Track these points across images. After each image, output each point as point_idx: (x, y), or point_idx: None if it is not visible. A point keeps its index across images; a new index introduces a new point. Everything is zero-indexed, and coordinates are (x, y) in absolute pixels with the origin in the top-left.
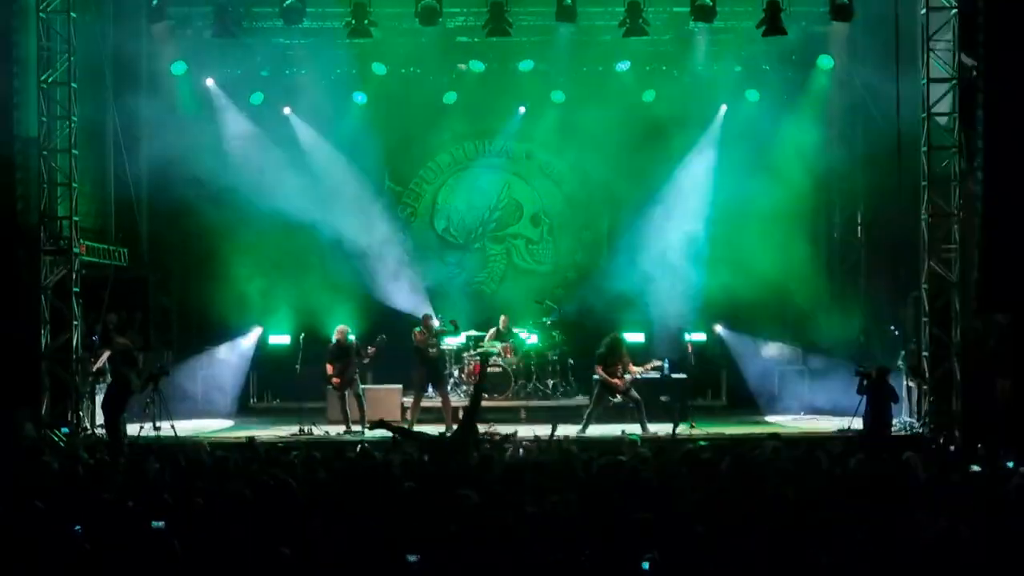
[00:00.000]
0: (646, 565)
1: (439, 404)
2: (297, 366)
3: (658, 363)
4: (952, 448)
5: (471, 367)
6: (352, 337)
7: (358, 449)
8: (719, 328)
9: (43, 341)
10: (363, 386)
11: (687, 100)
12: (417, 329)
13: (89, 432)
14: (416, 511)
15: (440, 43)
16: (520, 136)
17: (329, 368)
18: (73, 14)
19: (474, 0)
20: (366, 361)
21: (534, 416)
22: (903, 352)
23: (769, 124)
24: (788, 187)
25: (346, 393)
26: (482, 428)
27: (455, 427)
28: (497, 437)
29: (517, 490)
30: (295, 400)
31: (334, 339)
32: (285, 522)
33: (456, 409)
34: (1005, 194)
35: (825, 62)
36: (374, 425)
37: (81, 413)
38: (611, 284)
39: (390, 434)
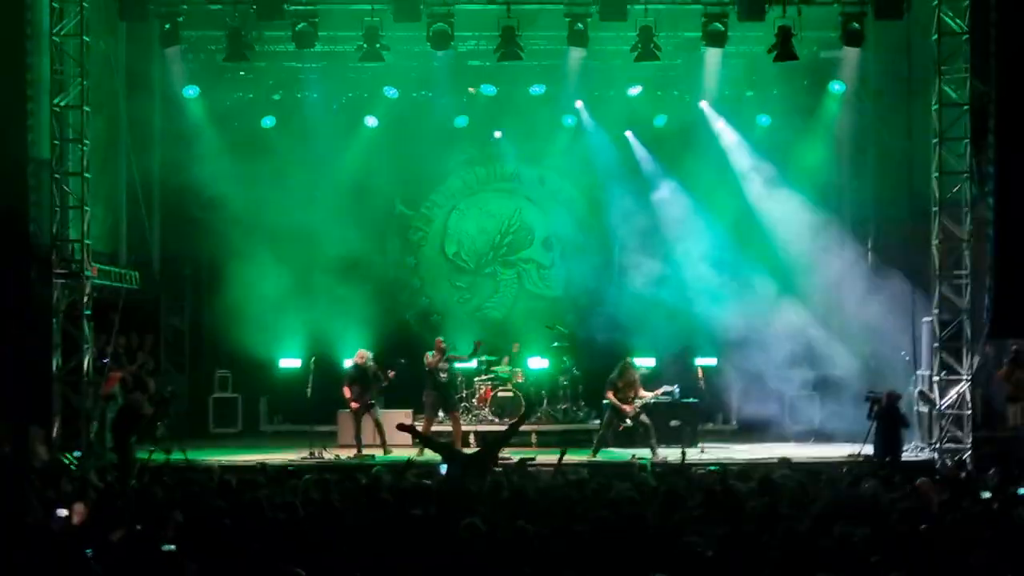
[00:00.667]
0: None
1: (450, 428)
2: (308, 389)
3: (669, 388)
4: (963, 474)
5: (483, 392)
6: (372, 362)
7: (374, 472)
8: (729, 354)
9: (54, 364)
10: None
11: (698, 125)
12: (429, 353)
13: (99, 455)
14: (423, 538)
15: (452, 67)
16: (532, 160)
17: (347, 391)
18: (86, 38)
19: (486, 24)
20: (384, 384)
21: (545, 440)
22: (914, 377)
23: (780, 149)
24: (799, 211)
25: (363, 417)
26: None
27: (476, 449)
28: (511, 461)
29: (526, 518)
30: (306, 423)
31: (354, 362)
32: (296, 545)
33: (467, 433)
34: (1017, 220)
35: (836, 87)
36: (402, 428)
37: (92, 436)
38: (622, 309)
39: (402, 457)
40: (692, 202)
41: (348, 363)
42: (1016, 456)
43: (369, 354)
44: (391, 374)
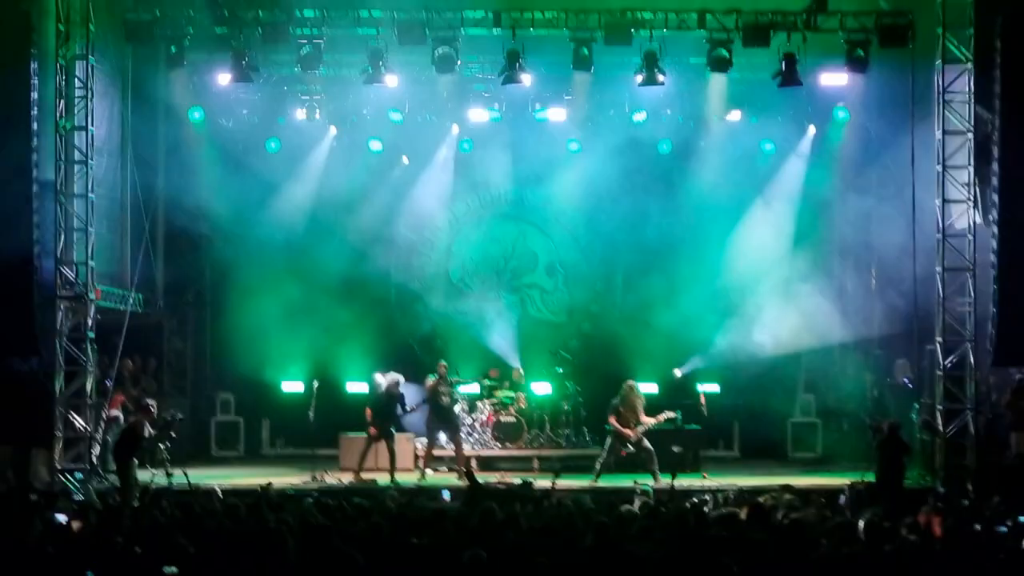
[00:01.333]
0: None
1: (452, 453)
2: (310, 413)
3: (671, 414)
4: (967, 503)
5: (486, 416)
6: (401, 388)
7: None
8: (730, 380)
9: (57, 386)
10: None
11: (703, 150)
12: (431, 377)
13: (101, 478)
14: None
15: (456, 90)
16: (536, 185)
17: (368, 414)
18: (92, 60)
19: (490, 48)
20: (402, 415)
21: (547, 465)
22: (917, 406)
23: (783, 174)
24: (801, 237)
25: (377, 444)
26: (494, 477)
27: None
28: (512, 485)
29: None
30: (308, 447)
31: (383, 387)
32: (295, 568)
33: (468, 458)
34: (1020, 248)
35: (840, 114)
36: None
37: (94, 459)
38: (625, 335)
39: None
40: (695, 226)
41: (383, 380)
42: (1020, 484)
43: (401, 380)
44: (413, 409)
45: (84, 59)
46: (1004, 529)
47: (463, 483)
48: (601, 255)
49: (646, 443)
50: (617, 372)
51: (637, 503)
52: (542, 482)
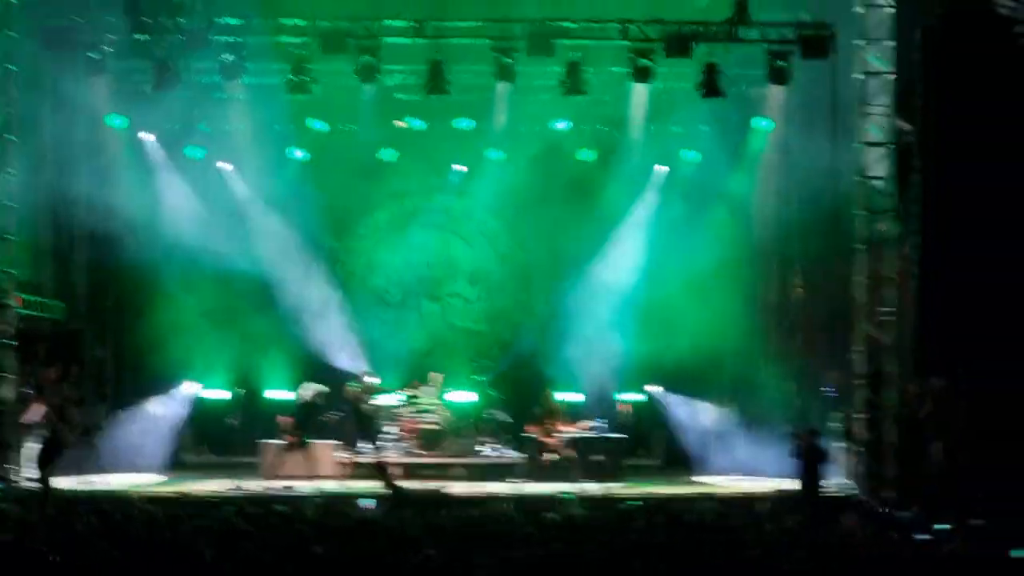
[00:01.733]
0: None
1: (373, 461)
2: (233, 421)
3: (596, 423)
4: (886, 511)
5: (407, 424)
6: (322, 399)
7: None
8: (653, 388)
9: None
10: None
11: (625, 160)
12: (351, 385)
13: (18, 485)
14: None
15: (379, 100)
16: (458, 195)
17: (286, 422)
18: (12, 67)
19: (413, 58)
20: (324, 424)
21: (469, 473)
22: (838, 415)
23: (706, 185)
24: (724, 249)
25: (293, 452)
26: (417, 485)
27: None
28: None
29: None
30: (229, 455)
31: (306, 396)
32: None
33: (390, 466)
34: (941, 258)
35: (762, 124)
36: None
37: (14, 466)
38: (547, 344)
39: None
40: (616, 235)
41: (306, 389)
42: (938, 492)
43: (323, 388)
44: (334, 419)
45: (3, 67)
46: (923, 538)
47: (386, 491)
48: (523, 264)
49: (568, 451)
50: (539, 381)
51: (560, 511)
52: (463, 489)
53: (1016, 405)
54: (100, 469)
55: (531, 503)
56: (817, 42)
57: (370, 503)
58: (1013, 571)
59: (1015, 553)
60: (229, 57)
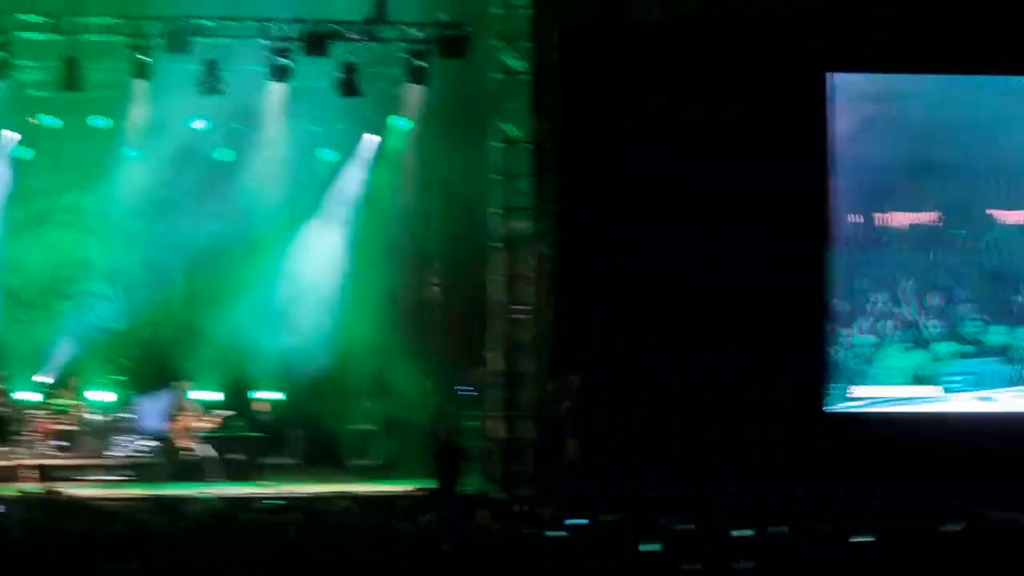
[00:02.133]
0: None
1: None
2: None
3: (225, 417)
4: (523, 508)
5: (40, 425)
6: None
7: None
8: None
9: None
10: None
11: (261, 158)
12: None
13: None
14: None
15: (13, 97)
16: (93, 192)
17: None
18: None
19: (47, 54)
20: None
21: (108, 474)
22: (477, 413)
23: (344, 182)
24: (363, 243)
25: None
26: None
27: None
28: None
29: None
30: None
31: None
32: None
33: (29, 467)
34: (576, 256)
35: (400, 123)
36: None
37: None
38: (184, 342)
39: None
40: (253, 233)
41: None
42: (575, 489)
43: None
44: None
45: None
46: (556, 534)
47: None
48: (161, 263)
49: (205, 448)
50: (177, 379)
51: (197, 509)
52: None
53: (655, 398)
54: None
55: (167, 503)
56: (454, 42)
57: None
58: (641, 563)
59: (643, 547)
60: None
